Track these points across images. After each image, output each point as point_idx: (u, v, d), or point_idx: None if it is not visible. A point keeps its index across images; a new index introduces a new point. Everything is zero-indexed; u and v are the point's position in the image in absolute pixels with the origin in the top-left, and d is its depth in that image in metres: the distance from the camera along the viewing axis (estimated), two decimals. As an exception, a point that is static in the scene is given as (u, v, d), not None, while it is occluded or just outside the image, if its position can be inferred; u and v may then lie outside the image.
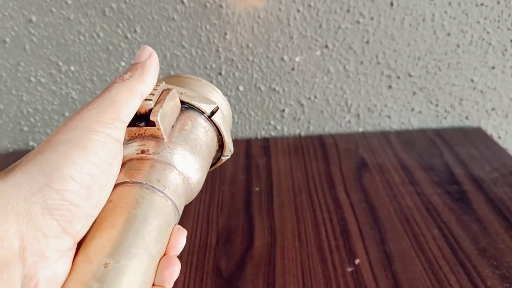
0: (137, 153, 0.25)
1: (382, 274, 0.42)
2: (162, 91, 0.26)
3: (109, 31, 0.59)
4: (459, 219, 0.49)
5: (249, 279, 0.42)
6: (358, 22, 0.59)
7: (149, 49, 0.26)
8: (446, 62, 0.64)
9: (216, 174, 0.59)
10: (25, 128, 0.68)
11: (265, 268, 0.43)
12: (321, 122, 0.69)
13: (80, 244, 0.20)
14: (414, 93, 0.67)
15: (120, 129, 0.22)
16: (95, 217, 0.21)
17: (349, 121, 0.69)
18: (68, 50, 0.60)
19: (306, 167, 0.60)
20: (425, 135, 0.67)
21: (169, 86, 0.27)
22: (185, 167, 0.25)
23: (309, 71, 0.64)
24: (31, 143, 0.69)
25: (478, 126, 0.71)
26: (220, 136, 0.29)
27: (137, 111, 0.25)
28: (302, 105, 0.67)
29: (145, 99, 0.25)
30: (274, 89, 0.65)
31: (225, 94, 0.66)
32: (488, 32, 0.61)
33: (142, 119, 0.25)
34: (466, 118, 0.70)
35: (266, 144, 0.67)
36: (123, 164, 0.24)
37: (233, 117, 0.68)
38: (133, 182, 0.23)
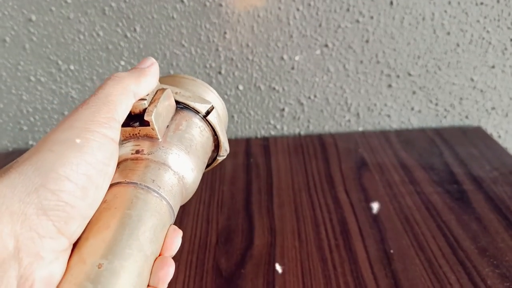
0: (132, 153, 0.24)
1: (382, 273, 0.42)
2: (157, 91, 0.26)
3: (109, 30, 0.59)
4: (459, 218, 0.49)
5: (249, 278, 0.42)
6: (357, 21, 0.59)
7: (152, 59, 0.26)
8: (446, 61, 0.64)
9: (216, 173, 0.59)
10: (25, 127, 0.68)
11: (265, 268, 0.43)
12: (321, 121, 0.69)
13: (75, 245, 0.20)
14: (414, 92, 0.67)
15: (115, 129, 0.22)
16: (91, 218, 0.21)
17: (349, 120, 0.69)
18: (68, 49, 0.60)
19: (306, 167, 0.60)
20: (425, 135, 0.67)
21: (164, 86, 0.27)
22: (180, 167, 0.25)
23: (308, 70, 0.64)
24: (30, 142, 0.69)
25: (478, 125, 0.71)
26: (215, 136, 0.29)
27: (131, 110, 0.24)
28: (302, 104, 0.67)
29: (140, 99, 0.25)
30: (274, 88, 0.65)
31: (225, 93, 0.66)
32: (488, 31, 0.61)
33: (136, 119, 0.25)
34: (466, 117, 0.70)
35: (266, 143, 0.67)
36: (118, 164, 0.24)
37: (232, 116, 0.68)
38: (128, 182, 0.23)
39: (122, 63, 0.62)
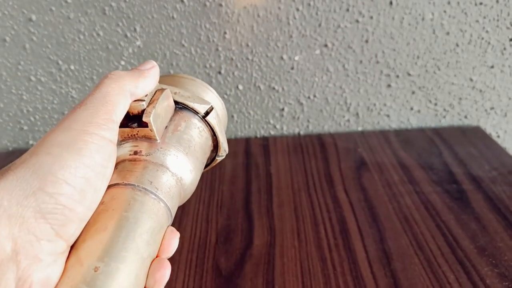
0: (130, 154, 0.24)
1: (381, 272, 0.42)
2: (156, 91, 0.26)
3: (109, 30, 0.59)
4: (458, 218, 0.49)
5: (249, 277, 0.42)
6: (357, 21, 0.60)
7: (153, 62, 0.26)
8: (445, 61, 0.64)
9: (215, 173, 0.59)
10: (25, 127, 0.68)
11: (264, 267, 0.43)
12: (320, 121, 0.69)
13: (73, 246, 0.20)
14: (413, 92, 0.67)
15: (113, 130, 0.22)
16: (88, 219, 0.21)
17: (348, 120, 0.70)
18: (68, 49, 0.60)
19: (305, 166, 0.60)
20: (424, 134, 0.67)
21: (163, 86, 0.27)
22: (178, 169, 0.25)
23: (308, 70, 0.64)
24: (31, 142, 0.69)
25: (477, 125, 0.71)
26: (214, 137, 0.29)
27: (129, 111, 0.24)
28: (301, 104, 0.67)
29: (138, 100, 0.24)
30: (274, 88, 0.65)
31: (225, 93, 0.66)
32: (487, 31, 0.61)
33: (135, 119, 0.25)
34: (465, 117, 0.70)
35: (265, 143, 0.67)
36: (116, 165, 0.24)
37: (232, 116, 0.68)
38: (125, 184, 0.22)
39: (122, 63, 0.62)
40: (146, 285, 0.21)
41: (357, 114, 0.69)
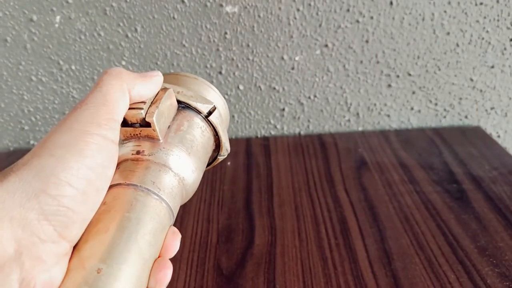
0: (132, 154, 0.24)
1: (382, 272, 0.42)
2: (159, 90, 0.26)
3: (110, 30, 0.59)
4: (459, 218, 0.49)
5: (250, 277, 0.42)
6: (357, 21, 0.60)
7: (159, 72, 0.26)
8: (445, 61, 0.64)
9: (216, 173, 0.59)
10: (26, 127, 0.68)
11: (265, 266, 0.43)
12: (321, 121, 0.69)
13: (75, 247, 0.20)
14: (414, 92, 0.67)
15: (115, 130, 0.22)
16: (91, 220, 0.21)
17: (349, 120, 0.70)
18: (69, 49, 0.60)
19: (306, 166, 0.60)
20: (424, 134, 0.68)
21: (166, 85, 0.27)
22: (181, 169, 0.25)
23: (309, 70, 0.64)
24: (31, 142, 0.70)
25: (478, 125, 0.71)
26: (217, 136, 0.29)
27: (128, 120, 0.24)
28: (302, 104, 0.67)
29: (136, 108, 0.24)
30: (274, 88, 0.66)
31: (225, 93, 0.66)
32: (487, 31, 0.61)
33: None
34: (466, 117, 0.70)
35: (266, 143, 0.67)
36: (118, 165, 0.23)
37: (233, 116, 0.68)
38: (128, 184, 0.22)
39: (123, 63, 0.62)
40: (148, 286, 0.21)
41: (358, 114, 0.69)
